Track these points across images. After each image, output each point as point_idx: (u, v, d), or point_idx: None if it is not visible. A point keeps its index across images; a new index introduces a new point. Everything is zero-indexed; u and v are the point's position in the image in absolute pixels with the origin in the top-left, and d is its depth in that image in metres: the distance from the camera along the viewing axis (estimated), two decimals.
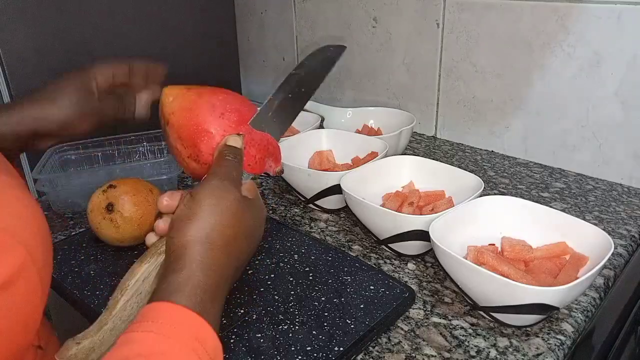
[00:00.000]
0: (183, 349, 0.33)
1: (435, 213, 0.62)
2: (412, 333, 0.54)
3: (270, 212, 0.78)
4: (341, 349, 0.50)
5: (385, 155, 0.78)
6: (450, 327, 0.55)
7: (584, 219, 0.60)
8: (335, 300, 0.57)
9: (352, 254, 0.66)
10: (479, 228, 0.62)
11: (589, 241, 0.56)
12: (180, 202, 0.41)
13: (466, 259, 0.57)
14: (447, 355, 0.51)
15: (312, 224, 0.73)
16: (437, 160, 0.76)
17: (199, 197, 0.40)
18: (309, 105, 1.01)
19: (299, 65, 0.54)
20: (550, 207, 0.61)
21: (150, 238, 0.44)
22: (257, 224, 0.44)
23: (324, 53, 0.56)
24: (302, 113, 0.99)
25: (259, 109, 0.51)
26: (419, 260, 0.67)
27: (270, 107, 0.51)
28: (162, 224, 0.42)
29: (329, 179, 0.72)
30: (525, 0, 0.85)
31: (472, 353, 0.51)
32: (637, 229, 0.72)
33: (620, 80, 0.79)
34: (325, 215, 0.77)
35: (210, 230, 0.39)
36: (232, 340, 0.52)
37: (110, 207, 0.64)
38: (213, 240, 0.39)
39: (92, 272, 0.63)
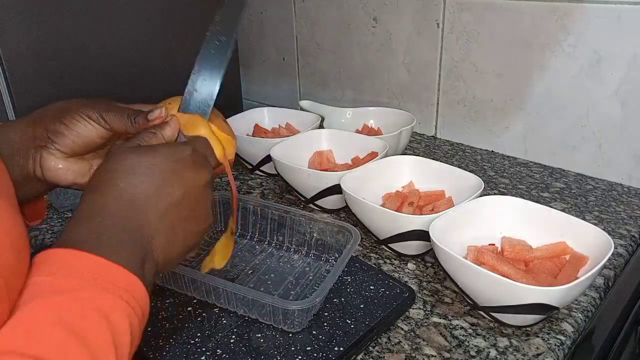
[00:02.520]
0: (85, 284, 0.32)
1: (435, 213, 0.62)
2: (412, 333, 0.54)
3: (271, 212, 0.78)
4: (341, 349, 0.50)
5: (385, 155, 0.78)
6: (450, 327, 0.55)
7: (584, 219, 0.60)
8: (335, 300, 0.57)
9: (352, 254, 0.66)
10: (479, 228, 0.62)
11: (589, 241, 0.56)
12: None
13: (466, 259, 0.57)
14: (447, 355, 0.51)
15: (312, 224, 0.73)
16: (437, 160, 0.76)
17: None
18: (309, 105, 1.01)
19: (211, 24, 0.52)
20: (550, 207, 0.61)
21: None
22: (161, 166, 0.41)
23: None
24: (302, 113, 1.00)
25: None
26: (419, 260, 0.67)
27: (193, 77, 0.50)
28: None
29: (329, 179, 0.72)
30: (525, 0, 0.85)
31: (472, 353, 0.51)
32: (637, 229, 0.72)
33: (620, 80, 0.79)
34: (325, 215, 0.77)
35: (96, 176, 0.40)
36: (232, 340, 0.52)
37: None
38: (101, 188, 0.39)
39: None
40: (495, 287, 0.51)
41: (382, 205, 0.70)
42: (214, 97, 0.49)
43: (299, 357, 0.50)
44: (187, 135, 0.46)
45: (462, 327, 0.55)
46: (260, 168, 0.89)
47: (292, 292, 0.59)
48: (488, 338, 0.53)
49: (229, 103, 1.17)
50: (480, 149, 0.99)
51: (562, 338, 0.53)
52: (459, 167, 0.73)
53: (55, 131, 0.46)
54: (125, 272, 0.34)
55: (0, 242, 0.34)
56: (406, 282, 0.62)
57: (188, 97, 0.49)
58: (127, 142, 0.43)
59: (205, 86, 0.50)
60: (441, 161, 0.76)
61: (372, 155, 0.80)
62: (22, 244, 0.36)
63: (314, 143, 0.87)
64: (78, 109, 0.47)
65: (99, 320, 0.31)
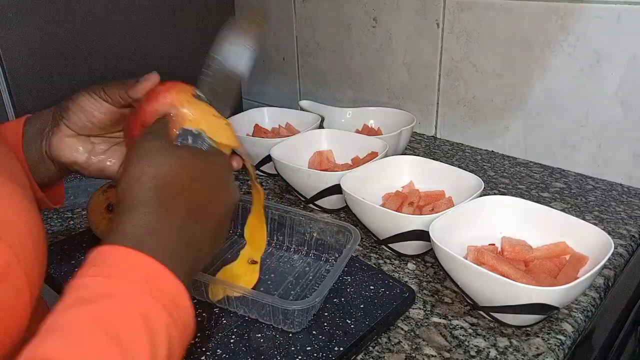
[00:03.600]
0: (133, 289, 0.31)
1: (435, 213, 0.62)
2: (412, 333, 0.54)
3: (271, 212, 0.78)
4: (341, 349, 0.50)
5: (385, 155, 0.78)
6: (450, 327, 0.55)
7: (584, 219, 0.60)
8: (335, 300, 0.57)
9: (352, 254, 0.66)
10: (479, 228, 0.62)
11: (589, 241, 0.56)
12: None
13: (466, 259, 0.57)
14: (447, 355, 0.51)
15: (312, 224, 0.73)
16: (437, 160, 0.76)
17: (140, 148, 0.39)
18: (309, 105, 1.01)
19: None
20: (550, 207, 0.61)
21: None
22: (214, 178, 0.41)
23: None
24: (302, 113, 1.00)
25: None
26: (419, 260, 0.67)
27: (208, 77, 0.49)
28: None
29: (329, 179, 0.72)
30: (525, 0, 0.85)
31: (472, 353, 0.51)
32: (637, 229, 0.72)
33: (620, 80, 0.79)
34: (325, 215, 0.77)
35: (159, 178, 0.37)
36: (232, 340, 0.52)
37: (110, 207, 0.64)
38: (163, 187, 0.37)
39: None
40: (495, 287, 0.51)
41: (382, 205, 0.70)
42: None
43: (299, 357, 0.50)
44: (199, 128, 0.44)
45: (462, 327, 0.55)
46: (260, 168, 0.89)
47: (292, 292, 0.59)
48: (488, 338, 0.53)
49: None
50: (480, 149, 0.99)
51: (562, 338, 0.53)
52: (459, 167, 0.73)
53: (65, 107, 0.50)
54: (176, 281, 0.33)
55: (20, 232, 0.34)
56: (406, 282, 0.62)
57: (209, 79, 0.48)
58: (155, 135, 0.41)
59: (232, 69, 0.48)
60: (441, 161, 0.76)
61: (372, 155, 0.80)
62: (39, 234, 0.37)
63: (314, 143, 0.87)
64: (88, 88, 0.50)
65: (141, 329, 0.30)
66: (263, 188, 0.86)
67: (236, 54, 0.49)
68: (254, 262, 0.61)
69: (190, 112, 0.44)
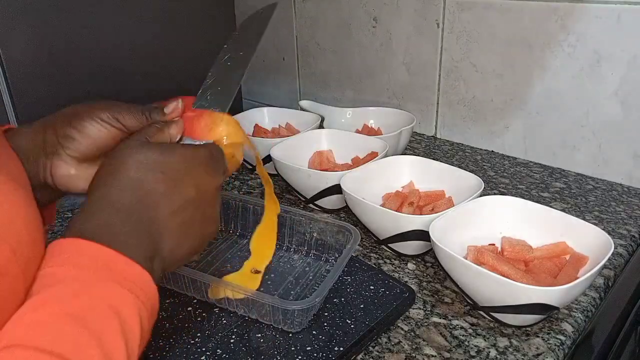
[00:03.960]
0: (95, 276, 0.32)
1: (435, 213, 0.62)
2: (412, 333, 0.54)
3: None
4: (341, 349, 0.50)
5: (385, 155, 0.78)
6: (450, 327, 0.55)
7: (584, 219, 0.60)
8: (335, 300, 0.57)
9: (352, 254, 0.66)
10: (479, 228, 0.62)
11: (589, 241, 0.56)
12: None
13: (466, 259, 0.57)
14: (447, 355, 0.51)
15: (312, 224, 0.73)
16: (437, 160, 0.76)
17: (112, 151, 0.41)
18: (309, 105, 1.01)
19: (231, 37, 0.52)
20: (550, 207, 0.61)
21: None
22: (175, 167, 0.41)
23: (255, 17, 0.54)
24: (302, 113, 1.00)
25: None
26: (419, 260, 0.67)
27: (205, 85, 0.49)
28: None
29: (329, 179, 0.72)
30: (525, 0, 0.85)
31: (472, 353, 0.51)
32: (637, 229, 0.72)
33: (620, 80, 0.79)
34: (325, 215, 0.77)
35: (109, 173, 0.39)
36: (232, 341, 0.52)
37: None
38: (110, 179, 0.39)
39: None
40: (495, 287, 0.51)
41: (382, 205, 0.70)
42: (235, 91, 0.49)
43: (299, 357, 0.50)
44: (199, 135, 0.46)
45: (462, 327, 0.55)
46: None
47: (292, 292, 0.59)
48: (488, 338, 0.53)
49: None
50: (480, 149, 0.99)
51: (562, 338, 0.53)
52: (459, 167, 0.73)
53: (66, 136, 0.45)
54: (135, 266, 0.34)
55: (18, 231, 0.34)
56: (406, 282, 0.62)
57: (207, 90, 0.48)
58: (133, 136, 0.43)
59: (226, 79, 0.49)
60: (441, 161, 0.76)
61: (372, 155, 0.80)
62: (38, 234, 0.37)
63: (314, 143, 0.87)
64: (88, 112, 0.46)
65: (109, 313, 0.31)
66: (263, 186, 0.86)
67: (228, 72, 0.50)
68: (257, 272, 0.61)
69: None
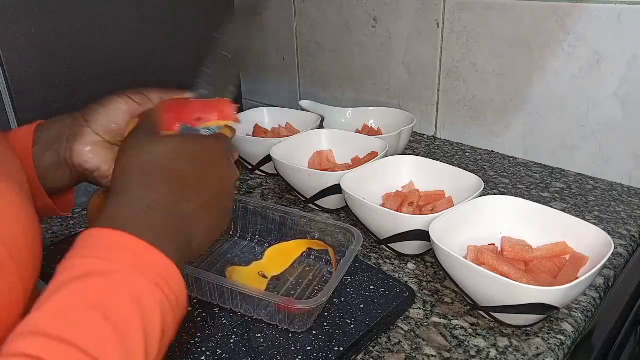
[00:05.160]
0: (121, 267, 0.32)
1: (435, 213, 0.62)
2: (412, 333, 0.54)
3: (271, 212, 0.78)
4: (341, 349, 0.50)
5: (385, 155, 0.78)
6: (450, 327, 0.55)
7: (584, 219, 0.60)
8: (335, 300, 0.57)
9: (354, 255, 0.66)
10: (479, 228, 0.62)
11: (589, 241, 0.56)
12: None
13: (466, 259, 0.57)
14: (447, 355, 0.51)
15: (312, 224, 0.73)
16: (437, 160, 0.76)
17: (128, 140, 0.41)
18: (309, 105, 1.01)
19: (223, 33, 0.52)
20: (550, 207, 0.61)
21: None
22: (202, 158, 0.41)
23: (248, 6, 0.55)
24: (302, 113, 1.00)
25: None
26: (419, 260, 0.67)
27: (204, 74, 0.50)
28: None
29: (329, 179, 0.72)
30: (526, 0, 0.85)
31: (472, 353, 0.51)
32: (637, 229, 0.72)
33: (620, 80, 0.79)
34: (325, 215, 0.77)
35: (142, 164, 0.39)
36: (232, 340, 0.52)
37: None
38: (145, 171, 0.38)
39: None
40: (495, 287, 0.51)
41: (382, 205, 0.70)
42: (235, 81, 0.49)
43: (299, 357, 0.50)
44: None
45: (462, 327, 0.55)
46: (260, 168, 0.89)
47: (292, 293, 0.59)
48: (488, 338, 0.53)
49: None
50: (480, 149, 0.99)
51: (562, 338, 0.53)
52: (459, 167, 0.73)
53: (91, 111, 0.48)
54: (165, 259, 0.34)
55: (14, 230, 0.34)
56: (406, 282, 0.62)
57: (206, 78, 0.49)
58: (142, 127, 0.43)
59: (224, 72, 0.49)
60: (441, 161, 0.76)
61: (372, 155, 0.80)
62: (34, 232, 0.37)
63: (314, 143, 0.87)
64: (120, 92, 0.49)
65: (132, 307, 0.31)
66: (263, 186, 0.86)
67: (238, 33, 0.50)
68: (264, 277, 0.62)
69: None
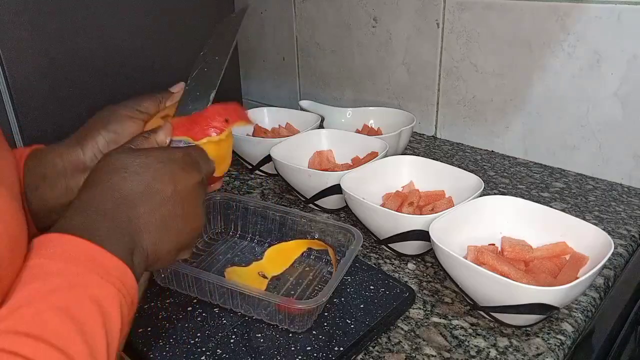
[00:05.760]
0: (80, 269, 0.34)
1: (435, 213, 0.62)
2: (412, 333, 0.54)
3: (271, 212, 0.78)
4: (341, 349, 0.50)
5: (385, 155, 0.78)
6: (450, 327, 0.55)
7: (584, 219, 0.60)
8: (335, 300, 0.57)
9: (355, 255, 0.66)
10: (479, 228, 0.62)
11: (589, 241, 0.56)
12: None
13: (466, 259, 0.57)
14: (447, 355, 0.51)
15: (312, 224, 0.73)
16: (437, 160, 0.76)
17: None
18: (309, 105, 1.01)
19: (206, 45, 0.56)
20: (550, 207, 0.61)
21: None
22: (153, 167, 0.43)
23: (228, 22, 0.57)
24: (302, 113, 1.00)
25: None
26: (419, 260, 0.67)
27: (186, 92, 0.53)
28: None
29: (329, 179, 0.72)
30: (526, 0, 0.85)
31: (472, 353, 0.51)
32: (637, 229, 0.72)
33: (620, 80, 0.79)
34: (325, 215, 0.77)
35: (93, 175, 0.42)
36: (232, 340, 0.52)
37: None
38: (97, 181, 0.41)
39: None
40: (495, 287, 0.51)
41: (382, 205, 0.70)
42: (212, 97, 0.51)
43: (299, 357, 0.50)
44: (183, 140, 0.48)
45: (462, 327, 0.55)
46: (260, 168, 0.89)
47: (292, 293, 0.59)
48: (488, 338, 0.53)
49: None
50: (480, 149, 0.99)
51: (562, 338, 0.53)
52: (459, 167, 0.73)
53: (109, 141, 0.50)
54: (116, 260, 0.36)
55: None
56: (406, 282, 0.62)
57: (186, 100, 0.50)
58: (120, 147, 0.45)
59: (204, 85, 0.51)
60: (441, 161, 0.76)
61: (372, 155, 0.80)
62: (19, 235, 0.37)
63: (314, 143, 0.87)
64: (117, 114, 0.51)
65: (91, 305, 0.33)
66: (263, 186, 0.86)
67: (205, 73, 0.53)
68: (264, 277, 0.62)
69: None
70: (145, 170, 0.42)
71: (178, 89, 0.53)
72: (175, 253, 0.43)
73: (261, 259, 0.64)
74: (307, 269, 0.63)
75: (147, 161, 0.42)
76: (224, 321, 0.55)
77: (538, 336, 0.53)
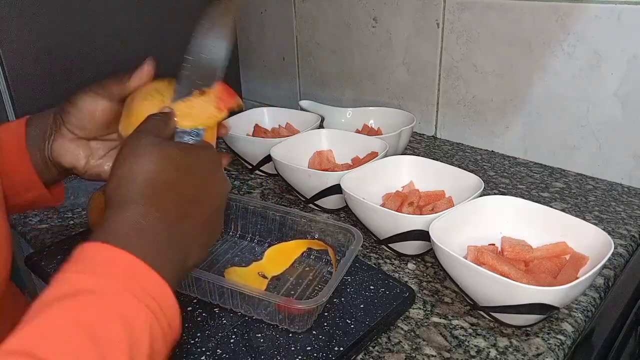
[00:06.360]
0: (114, 286, 0.31)
1: (435, 213, 0.62)
2: (412, 333, 0.54)
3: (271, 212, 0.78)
4: (341, 349, 0.50)
5: (385, 155, 0.78)
6: (450, 327, 0.55)
7: (584, 219, 0.60)
8: (335, 300, 0.57)
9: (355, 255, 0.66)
10: (479, 228, 0.62)
11: (589, 241, 0.56)
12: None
13: (466, 259, 0.57)
14: (447, 355, 0.51)
15: (312, 224, 0.73)
16: (437, 160, 0.76)
17: (127, 146, 0.39)
18: (309, 105, 1.01)
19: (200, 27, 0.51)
20: (550, 207, 0.61)
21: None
22: (203, 171, 0.40)
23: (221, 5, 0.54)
24: (302, 113, 1.00)
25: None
26: (419, 260, 0.67)
27: (185, 78, 0.49)
28: None
29: (329, 179, 0.72)
30: (526, 0, 0.85)
31: (472, 353, 0.51)
32: (637, 229, 0.72)
33: (620, 80, 0.79)
34: (325, 215, 0.77)
35: (146, 176, 0.37)
36: (232, 340, 0.52)
37: None
38: (151, 184, 0.36)
39: None
40: (495, 287, 0.51)
41: (382, 205, 0.70)
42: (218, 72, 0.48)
43: (299, 357, 0.50)
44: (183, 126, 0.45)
45: (462, 327, 0.55)
46: (260, 168, 0.89)
47: (292, 293, 0.59)
48: (488, 338, 0.53)
49: None
50: (480, 149, 0.99)
51: (562, 338, 0.53)
52: (459, 167, 0.73)
53: (66, 110, 0.51)
54: (159, 280, 0.33)
55: None
56: (406, 282, 0.62)
57: (185, 85, 0.48)
58: (144, 130, 0.41)
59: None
60: (441, 161, 0.76)
61: (372, 155, 0.80)
62: (2, 243, 0.36)
63: (314, 143, 0.87)
64: (82, 90, 0.51)
65: (119, 328, 0.30)
66: (263, 186, 0.86)
67: (211, 46, 0.49)
68: (264, 277, 0.62)
69: (178, 110, 0.45)
70: (199, 176, 0.39)
71: (145, 69, 0.50)
72: (199, 263, 0.41)
73: (261, 259, 0.64)
74: (307, 269, 0.63)
75: (199, 164, 0.39)
76: (224, 321, 0.55)
77: (538, 336, 0.53)
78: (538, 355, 0.51)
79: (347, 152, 0.85)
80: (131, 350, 0.30)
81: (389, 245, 0.66)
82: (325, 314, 0.55)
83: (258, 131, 0.98)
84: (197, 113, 0.46)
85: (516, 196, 0.65)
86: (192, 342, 0.52)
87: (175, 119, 0.45)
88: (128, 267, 0.32)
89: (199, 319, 0.55)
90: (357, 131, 0.97)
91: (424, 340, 0.53)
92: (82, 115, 0.50)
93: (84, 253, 0.33)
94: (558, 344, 0.52)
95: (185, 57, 0.49)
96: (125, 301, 0.31)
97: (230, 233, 0.70)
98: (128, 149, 0.38)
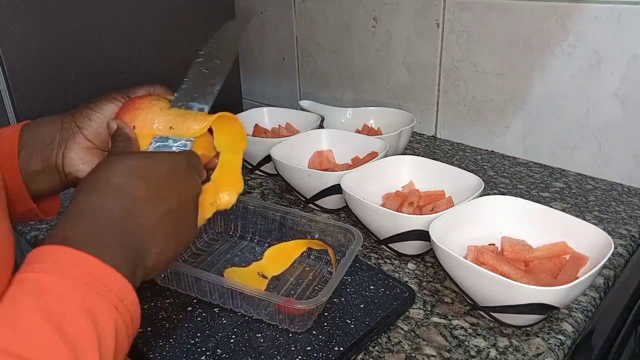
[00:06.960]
0: (74, 283, 0.32)
1: (435, 213, 0.62)
2: (412, 333, 0.54)
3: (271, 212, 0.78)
4: (341, 349, 0.50)
5: (385, 155, 0.78)
6: (450, 327, 0.55)
7: (584, 219, 0.60)
8: (335, 300, 0.57)
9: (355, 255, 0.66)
10: (479, 228, 0.62)
11: (589, 241, 0.56)
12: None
13: (466, 259, 0.57)
14: (447, 355, 0.51)
15: (312, 224, 0.73)
16: (437, 160, 0.76)
17: (99, 166, 0.41)
18: (309, 105, 1.01)
19: (206, 47, 0.54)
20: (550, 207, 0.61)
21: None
22: (159, 175, 0.41)
23: (231, 27, 0.56)
24: (302, 113, 1.00)
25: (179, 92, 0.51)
26: (419, 260, 0.67)
27: (184, 91, 0.51)
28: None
29: (329, 179, 0.72)
30: (526, 0, 0.85)
31: (472, 353, 0.51)
32: (637, 229, 0.72)
33: (620, 80, 0.79)
34: (325, 215, 0.77)
35: (99, 177, 0.39)
36: (232, 340, 0.52)
37: None
38: (101, 188, 0.38)
39: None
40: (495, 287, 0.51)
41: (382, 205, 0.70)
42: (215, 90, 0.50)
43: (299, 357, 0.50)
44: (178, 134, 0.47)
45: (462, 327, 0.55)
46: (260, 168, 0.89)
47: (292, 293, 0.59)
48: (488, 338, 0.53)
49: (229, 103, 1.17)
50: (480, 149, 0.99)
51: (562, 338, 0.53)
52: (459, 167, 0.73)
53: (83, 117, 0.49)
54: (117, 275, 0.34)
55: None
56: (406, 282, 0.62)
57: (187, 88, 0.50)
58: (111, 150, 0.44)
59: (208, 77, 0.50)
60: (441, 161, 0.76)
61: (372, 155, 0.80)
62: (6, 258, 0.36)
63: (314, 143, 0.87)
64: (107, 95, 0.50)
65: (86, 322, 0.31)
66: (263, 186, 0.86)
67: (213, 65, 0.52)
68: (264, 277, 0.62)
69: (155, 122, 0.47)
70: (152, 175, 0.40)
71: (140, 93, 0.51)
72: (169, 264, 0.42)
73: (261, 259, 0.64)
74: (307, 269, 0.63)
75: (154, 165, 0.41)
76: (224, 321, 0.55)
77: (538, 336, 0.53)
78: (538, 355, 0.51)
79: (347, 152, 0.85)
80: (100, 345, 0.31)
81: (389, 245, 0.66)
82: (325, 314, 0.55)
83: (258, 131, 0.98)
84: (181, 124, 0.47)
85: (516, 196, 0.65)
86: (192, 342, 0.52)
87: (160, 127, 0.46)
88: (86, 266, 0.33)
89: (199, 319, 0.55)
90: (357, 131, 0.97)
91: (424, 340, 0.53)
92: (104, 123, 0.49)
93: (42, 254, 0.34)
94: (558, 344, 0.52)
95: (189, 71, 0.51)
96: (88, 296, 0.32)
97: (230, 233, 0.70)
98: (99, 164, 0.41)
